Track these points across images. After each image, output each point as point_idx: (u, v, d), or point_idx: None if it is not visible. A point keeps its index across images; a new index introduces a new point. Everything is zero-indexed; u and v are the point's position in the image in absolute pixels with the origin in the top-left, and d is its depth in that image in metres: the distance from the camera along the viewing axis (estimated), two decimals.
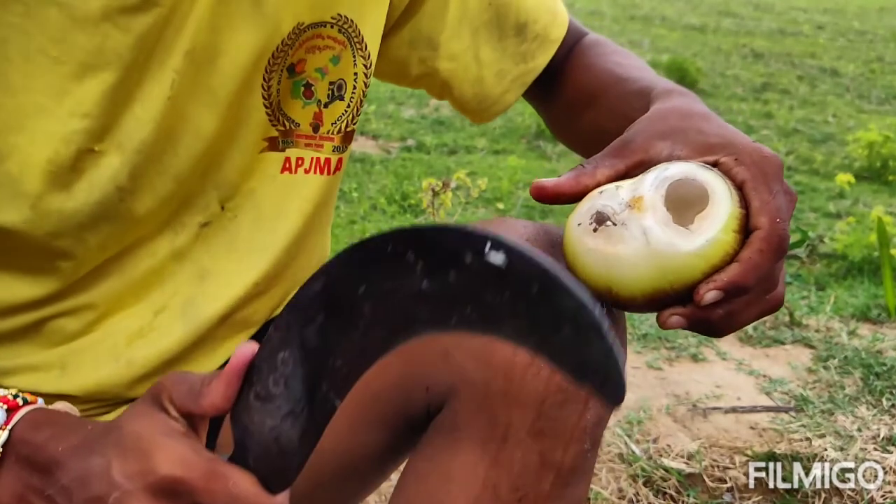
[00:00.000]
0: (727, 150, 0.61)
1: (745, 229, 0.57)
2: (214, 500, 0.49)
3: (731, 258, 0.56)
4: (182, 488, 0.49)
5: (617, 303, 0.59)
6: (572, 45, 0.90)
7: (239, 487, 0.49)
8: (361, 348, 0.49)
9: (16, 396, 0.54)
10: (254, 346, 0.51)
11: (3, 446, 0.52)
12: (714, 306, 0.57)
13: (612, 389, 0.44)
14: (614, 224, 0.57)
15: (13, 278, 0.67)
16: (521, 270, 0.44)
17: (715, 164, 0.60)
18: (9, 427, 0.52)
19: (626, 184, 0.60)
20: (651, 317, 2.16)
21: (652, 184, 0.58)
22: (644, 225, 0.56)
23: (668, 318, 0.58)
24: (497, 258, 0.44)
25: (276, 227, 0.76)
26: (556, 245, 0.63)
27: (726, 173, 0.59)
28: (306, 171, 0.76)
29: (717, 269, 0.56)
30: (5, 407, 0.53)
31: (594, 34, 0.92)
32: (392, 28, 0.83)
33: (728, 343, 1.97)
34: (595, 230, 0.58)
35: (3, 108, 0.60)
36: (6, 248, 0.65)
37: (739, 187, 0.59)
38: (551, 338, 0.44)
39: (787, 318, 2.08)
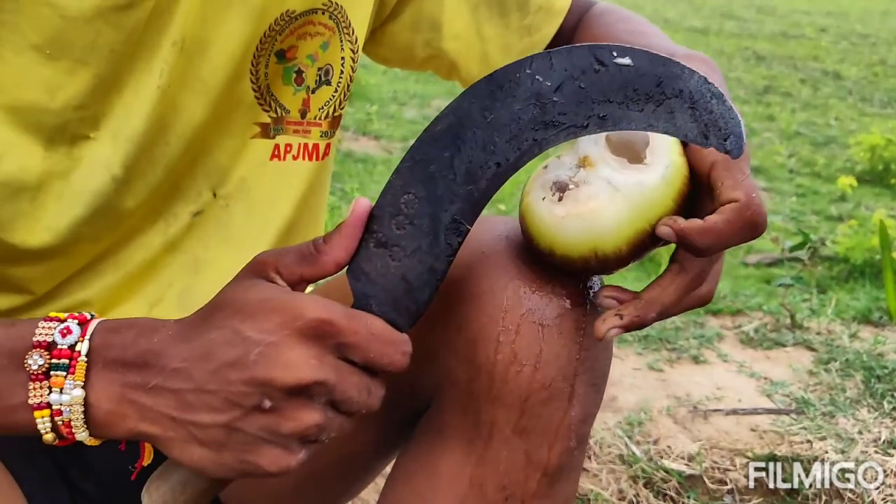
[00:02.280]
0: None
1: (691, 171, 0.58)
2: (357, 339, 0.51)
3: (689, 187, 0.57)
4: (329, 329, 0.50)
5: (604, 263, 0.58)
6: (581, 15, 0.88)
7: (375, 326, 0.52)
8: (493, 172, 0.54)
9: (80, 312, 0.53)
10: (368, 201, 0.53)
11: (87, 356, 0.50)
12: (650, 309, 0.57)
13: (734, 143, 0.52)
14: (576, 186, 0.58)
15: (5, 279, 0.67)
16: (646, 66, 0.52)
17: (685, 146, 0.60)
18: (87, 337, 0.51)
19: (563, 153, 0.61)
20: None
21: (589, 142, 0.59)
22: (604, 176, 0.57)
23: (607, 331, 0.57)
24: (625, 60, 0.52)
25: (268, 215, 0.77)
26: None
27: (695, 153, 0.59)
28: (294, 158, 0.77)
29: (680, 198, 0.57)
30: (76, 321, 0.52)
31: (603, 3, 0.90)
32: (392, 13, 0.83)
33: (729, 345, 1.97)
34: (560, 199, 0.58)
35: None
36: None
37: (709, 170, 0.58)
38: (677, 114, 0.52)
39: (788, 321, 2.07)
